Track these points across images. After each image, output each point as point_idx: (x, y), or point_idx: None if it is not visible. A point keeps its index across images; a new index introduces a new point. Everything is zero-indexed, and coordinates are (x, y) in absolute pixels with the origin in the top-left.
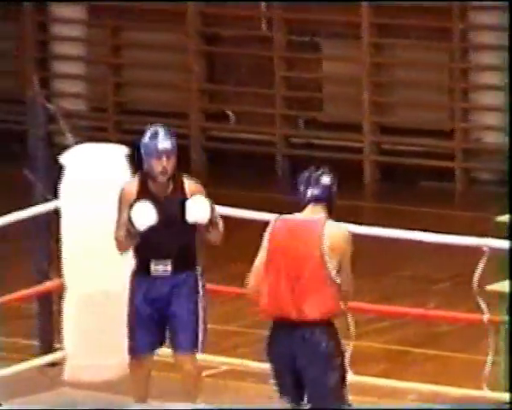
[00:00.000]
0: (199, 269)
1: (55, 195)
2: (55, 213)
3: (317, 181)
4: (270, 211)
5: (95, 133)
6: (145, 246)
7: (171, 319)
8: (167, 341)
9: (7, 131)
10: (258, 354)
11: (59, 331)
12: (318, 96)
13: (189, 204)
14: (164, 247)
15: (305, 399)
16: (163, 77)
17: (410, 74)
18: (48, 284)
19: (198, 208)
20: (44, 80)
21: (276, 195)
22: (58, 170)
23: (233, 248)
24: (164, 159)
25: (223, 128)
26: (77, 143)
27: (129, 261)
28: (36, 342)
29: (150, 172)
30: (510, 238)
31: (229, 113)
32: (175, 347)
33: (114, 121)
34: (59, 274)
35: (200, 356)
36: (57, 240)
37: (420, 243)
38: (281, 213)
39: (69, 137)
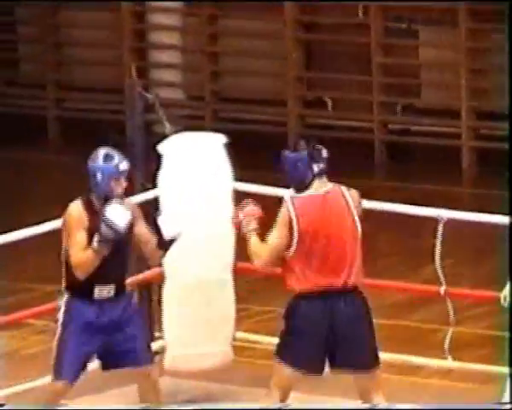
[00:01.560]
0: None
1: (154, 184)
2: (154, 202)
3: (320, 155)
4: (369, 198)
5: (192, 122)
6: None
7: (127, 341)
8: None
9: (105, 121)
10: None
11: (159, 321)
12: (416, 82)
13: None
14: (111, 270)
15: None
16: (260, 65)
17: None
18: (147, 274)
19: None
20: (142, 70)
21: (374, 181)
22: (156, 159)
23: None
24: (122, 180)
25: (320, 115)
26: (175, 131)
27: (229, 250)
28: None
29: (106, 195)
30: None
31: (327, 100)
32: (136, 363)
33: (211, 110)
34: (158, 264)
35: None
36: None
37: None
38: (378, 199)
39: (167, 126)
